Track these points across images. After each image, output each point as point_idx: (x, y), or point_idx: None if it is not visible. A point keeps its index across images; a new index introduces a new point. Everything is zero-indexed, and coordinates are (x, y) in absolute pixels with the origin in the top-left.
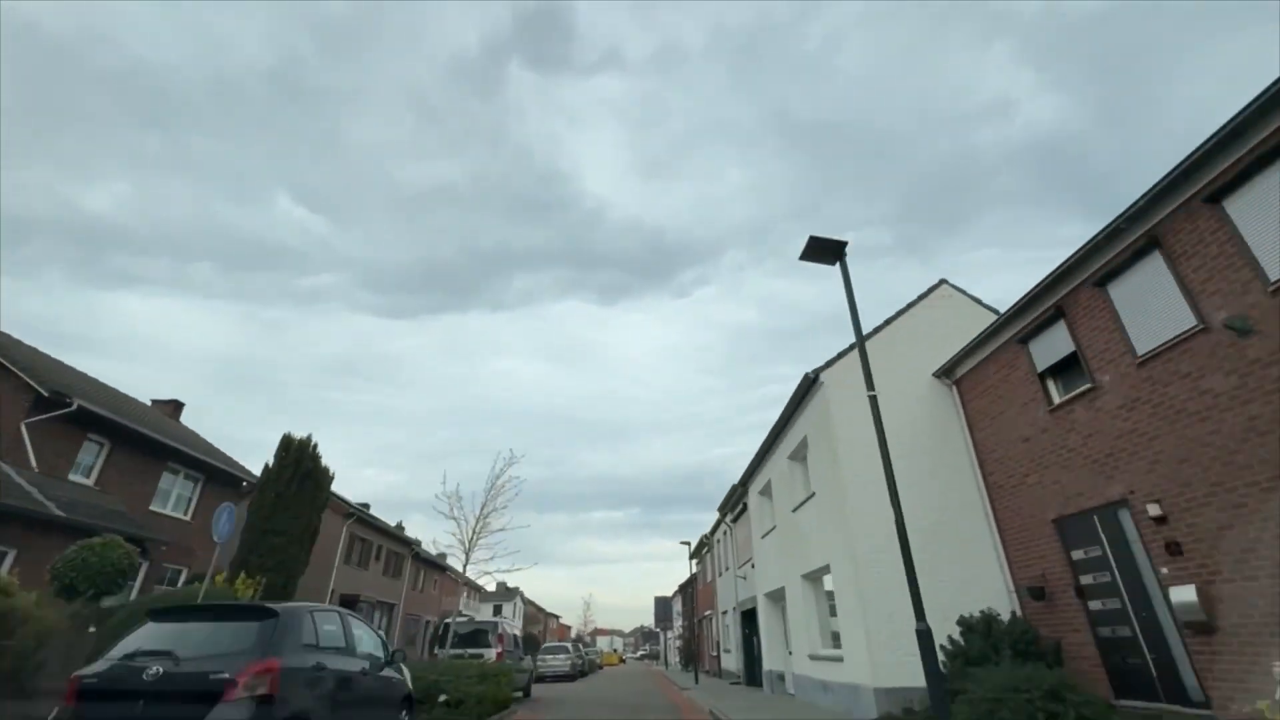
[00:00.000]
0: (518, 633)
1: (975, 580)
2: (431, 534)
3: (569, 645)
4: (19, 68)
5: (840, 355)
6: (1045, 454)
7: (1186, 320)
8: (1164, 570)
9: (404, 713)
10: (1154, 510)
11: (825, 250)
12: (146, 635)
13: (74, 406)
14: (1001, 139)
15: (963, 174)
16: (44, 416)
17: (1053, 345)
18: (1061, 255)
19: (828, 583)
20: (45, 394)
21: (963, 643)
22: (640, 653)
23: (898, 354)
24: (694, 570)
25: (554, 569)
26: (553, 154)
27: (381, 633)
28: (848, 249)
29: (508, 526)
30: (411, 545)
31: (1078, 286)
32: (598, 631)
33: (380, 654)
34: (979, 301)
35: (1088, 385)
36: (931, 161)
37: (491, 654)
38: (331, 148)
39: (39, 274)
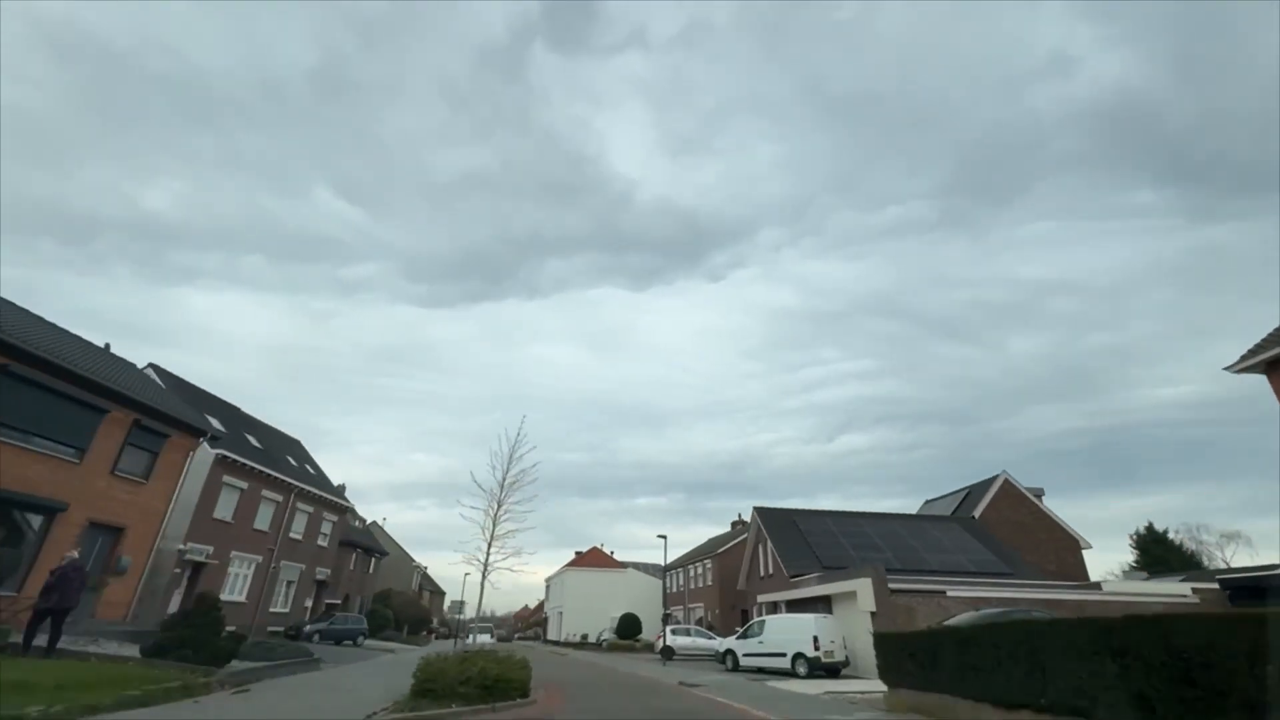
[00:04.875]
0: None
1: None
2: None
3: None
4: (86, 75)
5: None
6: None
7: None
8: None
9: None
10: None
11: None
12: None
13: None
14: (1062, 99)
15: (1015, 139)
16: None
17: None
18: (1134, 226)
19: None
20: None
21: None
22: (669, 630)
23: None
24: None
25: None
26: (579, 136)
27: None
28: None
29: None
30: None
31: None
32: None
33: None
34: None
35: None
36: (980, 128)
37: None
38: (368, 140)
39: (108, 271)
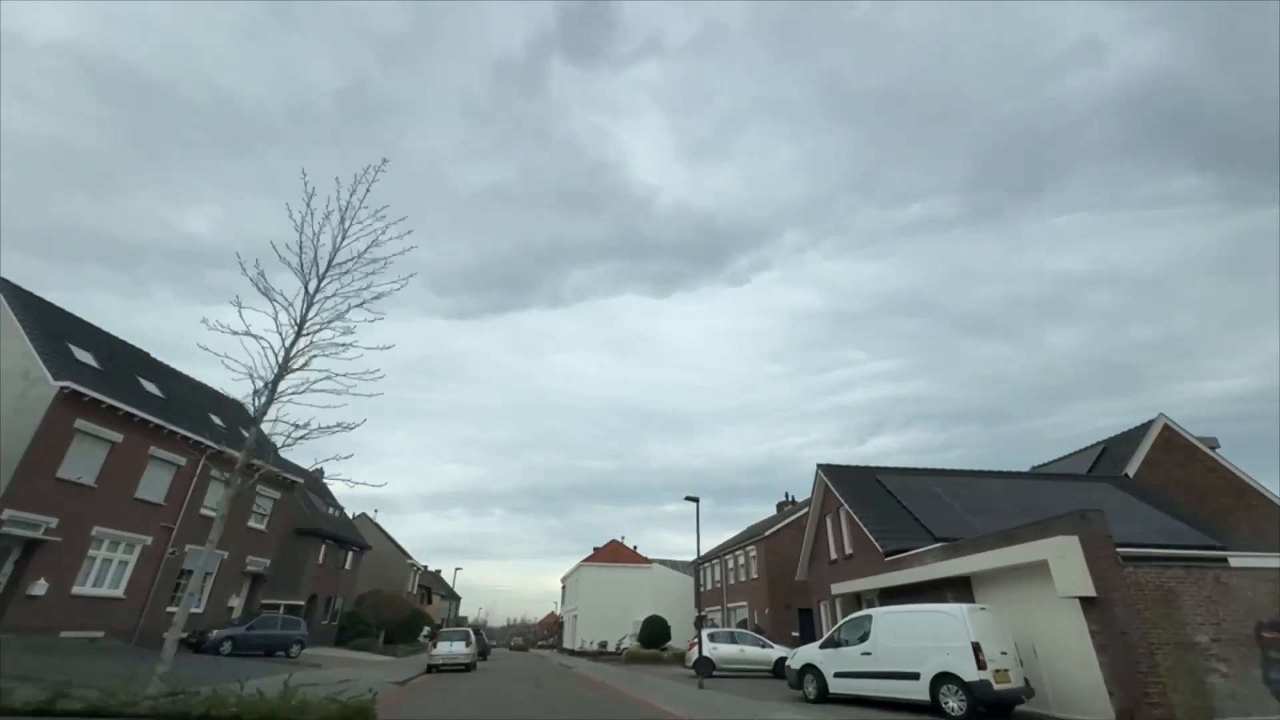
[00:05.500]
0: None
1: None
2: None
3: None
4: (128, 108)
5: None
6: None
7: None
8: None
9: None
10: None
11: None
12: None
13: None
14: (1093, 86)
15: (1045, 130)
16: None
17: None
18: (1175, 214)
19: None
20: None
21: None
22: (707, 636)
23: None
24: None
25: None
26: (598, 145)
27: None
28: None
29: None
30: None
31: None
32: None
33: None
34: None
35: None
36: (1007, 119)
37: None
38: (392, 157)
39: (151, 293)
